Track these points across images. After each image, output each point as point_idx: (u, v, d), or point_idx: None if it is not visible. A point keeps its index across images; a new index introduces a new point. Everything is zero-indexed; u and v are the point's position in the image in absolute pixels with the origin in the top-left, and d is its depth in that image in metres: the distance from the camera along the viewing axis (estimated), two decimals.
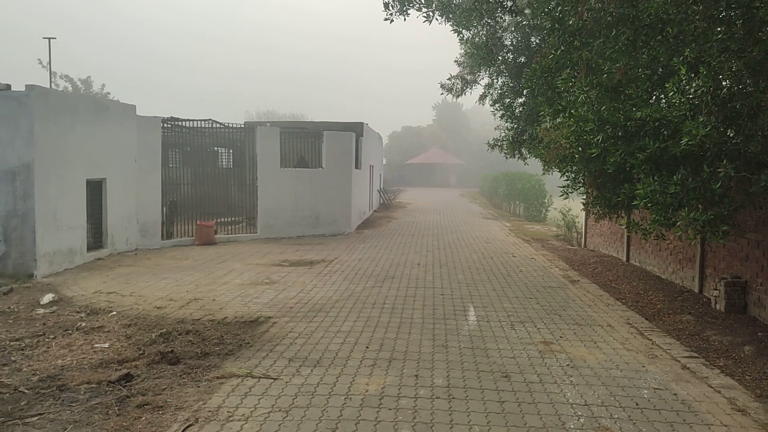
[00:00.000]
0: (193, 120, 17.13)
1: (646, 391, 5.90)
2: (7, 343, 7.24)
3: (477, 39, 12.07)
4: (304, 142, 19.80)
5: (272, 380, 6.06)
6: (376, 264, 13.42)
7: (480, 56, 11.81)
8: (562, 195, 10.10)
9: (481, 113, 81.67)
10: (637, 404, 5.57)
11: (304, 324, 8.23)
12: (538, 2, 8.44)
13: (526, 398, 5.67)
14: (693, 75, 6.91)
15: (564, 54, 8.03)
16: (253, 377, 6.14)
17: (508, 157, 13.99)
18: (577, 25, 7.67)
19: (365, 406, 5.40)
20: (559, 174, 10.61)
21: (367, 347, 7.20)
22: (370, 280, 11.46)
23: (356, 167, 21.04)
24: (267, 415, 5.21)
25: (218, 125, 17.81)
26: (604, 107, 7.43)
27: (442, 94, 14.94)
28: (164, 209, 15.64)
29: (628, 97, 7.62)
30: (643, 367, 6.67)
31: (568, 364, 6.69)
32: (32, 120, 10.89)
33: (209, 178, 18.15)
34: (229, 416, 5.20)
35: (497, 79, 13.82)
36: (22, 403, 5.47)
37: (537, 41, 12.56)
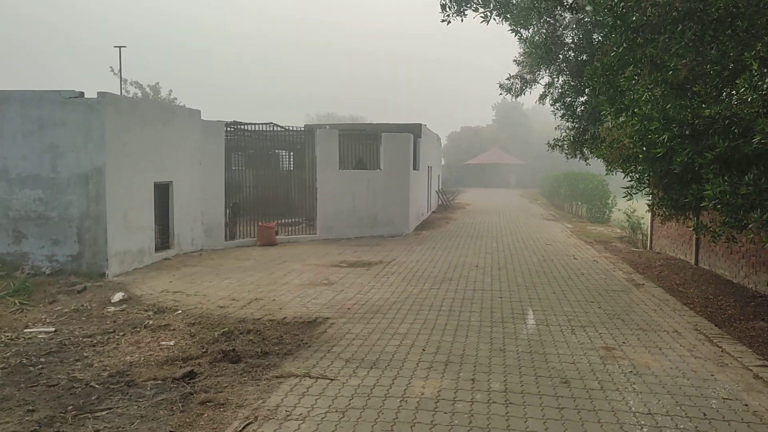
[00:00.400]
0: (255, 123, 17.54)
1: (714, 401, 5.66)
2: (80, 339, 7.61)
3: (536, 38, 11.86)
4: (362, 144, 19.96)
5: (329, 381, 6.14)
6: (433, 266, 13.38)
7: (539, 55, 11.60)
8: (625, 196, 9.81)
9: (541, 113, 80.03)
10: (704, 414, 5.34)
11: (362, 325, 8.29)
12: None
13: (585, 405, 5.53)
14: (766, 70, 6.58)
15: (626, 51, 7.79)
16: (310, 377, 6.23)
17: (569, 157, 13.68)
18: (641, 21, 7.42)
19: (421, 409, 5.39)
20: (623, 174, 10.32)
21: (424, 350, 7.19)
22: (428, 282, 11.44)
23: (414, 168, 21.04)
24: (324, 416, 5.28)
25: (279, 128, 18.16)
26: (669, 105, 7.18)
27: (500, 94, 14.78)
28: (227, 211, 16.07)
29: (695, 95, 7.34)
30: (712, 375, 6.39)
31: (631, 371, 6.49)
32: (104, 125, 11.40)
33: (270, 180, 18.54)
34: (287, 415, 5.29)
35: (558, 77, 13.53)
36: (93, 398, 5.73)
37: (599, 38, 12.23)
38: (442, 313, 9.06)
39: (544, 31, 11.68)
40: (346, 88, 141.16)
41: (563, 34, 12.22)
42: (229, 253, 14.83)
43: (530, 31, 12.01)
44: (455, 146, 74.46)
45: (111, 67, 31.86)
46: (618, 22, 7.67)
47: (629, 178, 9.98)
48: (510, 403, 5.56)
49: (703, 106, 7.26)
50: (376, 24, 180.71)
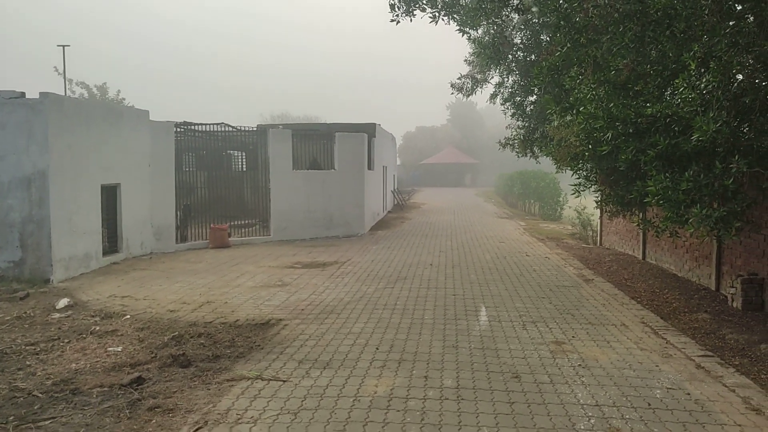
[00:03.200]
0: (206, 124, 17.25)
1: (658, 391, 5.83)
2: (23, 347, 7.33)
3: (485, 38, 12.01)
4: (316, 144, 19.86)
5: (282, 382, 6.08)
6: (388, 265, 13.41)
7: (488, 55, 11.76)
8: (574, 193, 10.04)
9: (495, 112, 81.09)
10: (649, 404, 5.50)
11: (315, 326, 8.24)
12: None
13: (536, 399, 5.63)
14: (703, 70, 6.82)
15: (570, 51, 7.97)
16: (262, 380, 6.16)
17: (520, 156, 13.90)
18: (584, 22, 7.60)
19: (374, 408, 5.39)
20: (572, 172, 10.55)
21: (377, 348, 7.20)
22: (382, 282, 11.45)
23: (369, 168, 21.05)
24: (275, 418, 5.22)
25: (231, 128, 17.91)
26: (612, 104, 7.37)
27: (452, 93, 14.91)
28: (178, 213, 15.76)
29: (637, 94, 7.55)
30: (657, 366, 6.59)
31: (579, 365, 6.63)
32: (47, 127, 11.02)
33: (223, 181, 18.27)
34: (238, 419, 5.22)
35: (508, 77, 13.75)
36: (36, 407, 5.53)
37: (547, 39, 12.48)
38: (396, 311, 9.08)
39: (492, 31, 11.85)
40: (299, 84, 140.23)
41: (511, 34, 12.42)
42: (180, 256, 14.54)
43: (479, 31, 12.16)
44: (411, 146, 74.90)
45: (55, 67, 30.84)
46: (562, 22, 7.85)
47: (577, 176, 10.22)
48: (462, 399, 5.61)
49: (646, 105, 7.47)
50: (330, 21, 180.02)
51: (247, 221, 19.03)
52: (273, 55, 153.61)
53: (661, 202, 7.18)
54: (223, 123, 17.57)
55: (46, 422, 5.23)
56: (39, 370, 6.55)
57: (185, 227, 16.24)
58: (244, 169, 21.85)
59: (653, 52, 7.35)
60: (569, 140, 8.72)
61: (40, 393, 5.88)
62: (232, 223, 17.92)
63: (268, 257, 14.47)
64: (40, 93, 11.22)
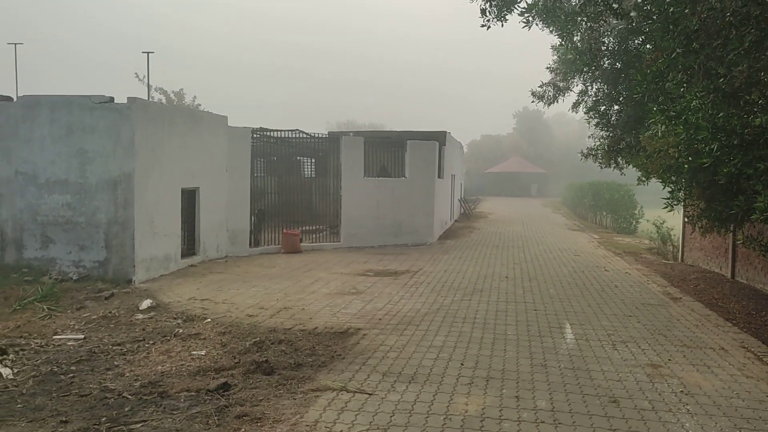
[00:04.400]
0: (281, 130, 17.46)
1: None
2: (110, 347, 7.48)
3: (580, 44, 11.58)
4: (386, 152, 19.79)
5: (368, 395, 5.93)
6: (462, 276, 13.14)
7: (583, 62, 11.33)
8: (665, 207, 9.51)
9: (563, 122, 79.78)
10: None
11: (395, 337, 8.07)
12: (649, 3, 7.97)
13: (639, 427, 5.26)
14: None
15: (678, 57, 7.53)
16: (348, 391, 6.02)
17: (603, 166, 13.38)
18: (695, 27, 7.16)
19: (467, 428, 5.17)
20: (661, 184, 10.02)
21: (462, 364, 6.96)
22: (458, 293, 11.20)
23: (439, 176, 20.82)
24: None
25: (304, 135, 18.07)
26: (720, 114, 6.90)
27: (532, 101, 14.50)
28: (252, 217, 15.97)
29: (747, 103, 7.05)
30: None
31: (681, 391, 6.20)
32: (133, 131, 11.34)
33: (293, 186, 18.45)
34: None
35: (592, 85, 13.28)
36: (126, 409, 5.57)
37: (636, 45, 11.97)
38: (476, 325, 8.82)
39: (587, 37, 11.42)
40: (364, 95, 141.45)
41: (602, 41, 11.96)
42: (254, 260, 14.70)
43: (576, 37, 11.74)
44: (476, 154, 74.13)
45: (136, 73, 32.13)
46: (670, 27, 7.41)
47: (669, 189, 9.68)
48: (559, 423, 5.31)
49: (754, 115, 6.98)
50: (395, 30, 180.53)
51: (315, 227, 19.13)
52: (333, 68, 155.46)
53: None
54: (297, 129, 17.76)
55: (138, 425, 5.25)
56: (127, 371, 6.63)
57: (259, 232, 16.44)
58: (313, 176, 22.03)
59: (766, 59, 6.83)
60: (665, 151, 8.24)
61: (130, 395, 5.93)
62: (302, 229, 18.04)
63: (340, 264, 14.44)
64: (128, 98, 11.56)
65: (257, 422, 5.30)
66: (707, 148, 7.38)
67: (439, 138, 21.59)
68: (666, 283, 12.75)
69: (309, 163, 23.12)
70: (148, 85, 25.28)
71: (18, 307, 9.22)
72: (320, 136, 18.66)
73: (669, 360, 7.29)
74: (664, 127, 7.84)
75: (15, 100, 12.08)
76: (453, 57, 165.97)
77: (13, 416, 5.35)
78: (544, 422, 5.32)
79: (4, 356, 6.86)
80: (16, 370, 6.54)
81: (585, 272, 14.00)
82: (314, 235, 18.55)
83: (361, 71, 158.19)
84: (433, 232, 19.65)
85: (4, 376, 6.33)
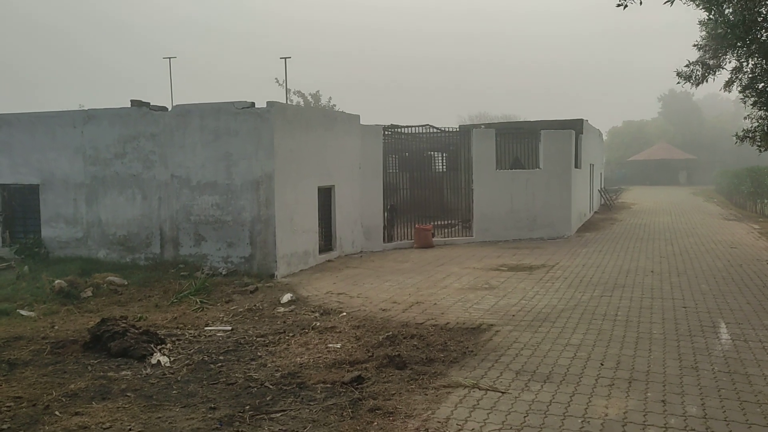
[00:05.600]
0: (411, 126, 17.60)
1: None
2: (254, 338, 7.93)
3: (731, 16, 10.49)
4: (519, 143, 19.28)
5: (500, 394, 5.79)
6: (602, 271, 12.47)
7: (735, 36, 10.24)
8: None
9: (715, 102, 73.30)
10: None
11: (529, 334, 7.83)
12: None
13: None
14: None
15: None
16: (480, 389, 5.92)
17: (763, 150, 12.07)
18: None
19: None
20: None
21: (602, 364, 6.59)
22: (598, 289, 10.64)
23: (575, 166, 19.93)
24: None
25: (434, 130, 18.09)
26: None
27: (678, 83, 13.37)
28: (385, 213, 16.26)
29: None
30: None
31: None
32: (272, 133, 11.95)
33: (425, 182, 18.52)
34: (459, 429, 5.03)
35: (747, 61, 12.00)
36: (268, 398, 5.87)
37: None
38: (617, 323, 8.32)
39: (740, 8, 10.31)
40: (498, 78, 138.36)
41: (758, 11, 10.73)
42: (388, 255, 14.96)
43: (727, 9, 10.65)
44: (617, 142, 70.06)
45: (276, 78, 33.97)
46: None
47: None
48: (712, 431, 4.86)
49: None
50: (532, 7, 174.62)
51: (448, 221, 19.06)
52: (470, 51, 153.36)
53: None
54: (427, 125, 17.81)
55: (277, 414, 5.50)
56: (269, 361, 6.99)
57: (391, 227, 16.71)
58: (445, 170, 21.98)
59: None
60: None
61: (271, 384, 6.24)
62: (434, 224, 18.06)
63: (472, 258, 14.29)
64: (267, 102, 12.19)
65: (389, 416, 5.35)
66: None
67: (576, 126, 20.66)
68: None
69: (440, 158, 23.09)
70: (286, 89, 26.63)
71: (175, 300, 10.06)
72: (451, 130, 18.57)
73: None
74: None
75: (169, 109, 13.17)
76: (590, 51, 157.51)
77: (169, 401, 5.84)
78: (694, 430, 4.89)
79: (163, 345, 7.50)
80: (172, 359, 7.13)
81: (743, 266, 12.73)
82: (446, 230, 18.52)
83: (494, 53, 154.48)
84: (570, 225, 18.86)
85: (163, 363, 6.92)
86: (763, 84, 11.83)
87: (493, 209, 17.62)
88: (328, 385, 6.15)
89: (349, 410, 5.52)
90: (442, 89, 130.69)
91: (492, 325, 8.30)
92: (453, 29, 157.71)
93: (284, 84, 27.60)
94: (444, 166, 22.49)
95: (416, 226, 16.71)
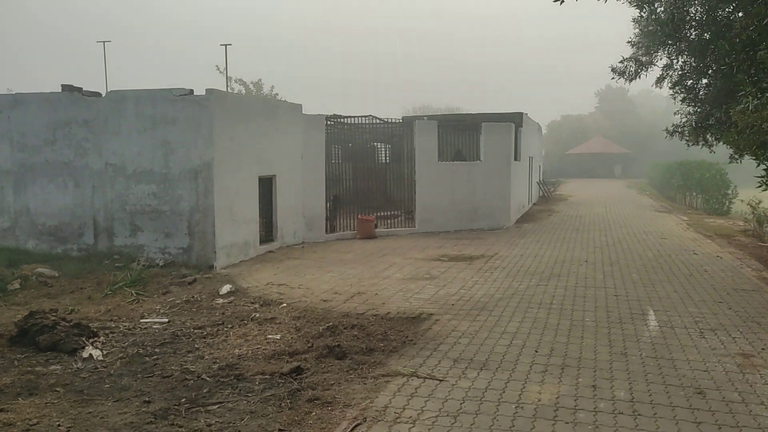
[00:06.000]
0: (354, 116, 17.55)
1: None
2: (192, 330, 7.78)
3: (662, 15, 10.90)
4: (461, 135, 19.49)
5: (438, 381, 5.88)
6: (539, 260, 12.81)
7: (665, 33, 10.65)
8: (759, 186, 8.88)
9: (649, 98, 76.10)
10: None
11: (468, 323, 7.97)
12: None
13: (727, 420, 4.95)
14: None
15: None
16: (418, 377, 5.99)
17: (691, 144, 12.63)
18: None
19: (539, 418, 5.02)
20: (755, 162, 9.36)
21: (537, 351, 6.78)
22: (534, 278, 10.92)
23: (515, 159, 20.34)
24: (434, 420, 5.02)
25: (377, 121, 18.09)
26: None
27: (612, 78, 13.81)
28: (328, 204, 16.19)
29: None
30: None
31: None
32: (212, 121, 11.69)
33: (368, 172, 18.54)
34: (396, 417, 5.08)
35: (677, 58, 12.51)
36: (204, 391, 5.78)
37: (725, 14, 11.15)
38: (552, 311, 8.57)
39: (670, 7, 10.73)
40: (440, 74, 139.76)
41: (686, 11, 11.20)
42: (330, 246, 14.92)
43: (655, 7, 11.06)
44: (555, 136, 71.95)
45: (217, 66, 33.19)
46: None
47: (764, 167, 9.03)
48: (639, 414, 5.07)
49: None
50: (473, 7, 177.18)
51: (390, 212, 19.15)
52: (415, 45, 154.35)
53: None
54: (370, 115, 17.79)
55: (214, 407, 5.43)
56: (206, 353, 6.88)
57: (334, 218, 16.66)
58: (388, 161, 22.04)
59: None
60: (758, 126, 7.66)
61: (208, 377, 6.14)
62: (378, 214, 18.12)
63: (414, 249, 14.41)
64: (206, 89, 11.91)
65: (328, 406, 5.36)
66: None
67: (515, 119, 21.07)
68: (761, 267, 11.94)
69: (384, 149, 23.16)
70: (227, 77, 26.10)
71: (109, 292, 9.75)
72: (394, 121, 18.61)
73: (763, 349, 6.82)
74: (756, 100, 7.25)
75: (103, 95, 12.71)
76: (533, 51, 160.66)
77: (101, 395, 5.67)
78: (622, 413, 5.10)
79: (95, 338, 7.26)
80: (105, 352, 6.92)
81: (672, 256, 13.32)
82: (389, 221, 18.60)
83: (435, 50, 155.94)
84: (509, 216, 19.27)
85: (95, 357, 6.71)
86: (691, 81, 12.37)
87: (435, 200, 17.81)
88: (267, 377, 6.11)
89: (288, 401, 5.49)
90: (388, 82, 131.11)
91: (432, 314, 8.41)
92: (400, 25, 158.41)
93: (225, 72, 27.01)
94: (387, 157, 22.56)
95: (359, 216, 16.71)
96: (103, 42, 37.15)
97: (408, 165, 18.22)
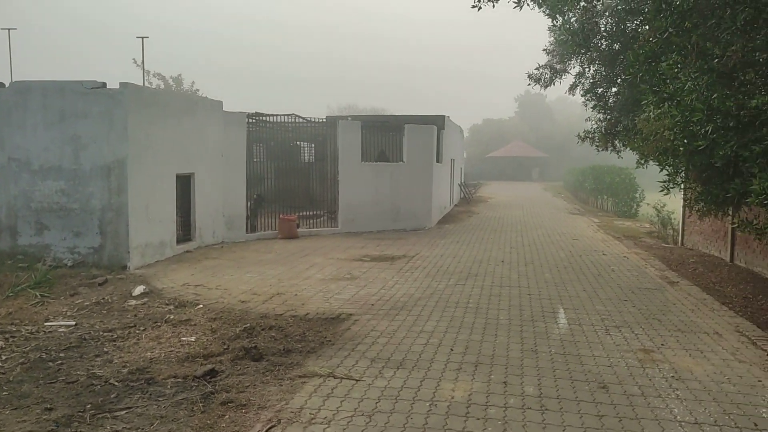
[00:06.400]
0: (277, 115, 17.33)
1: (765, 410, 5.31)
2: (101, 333, 7.46)
3: (574, 24, 11.39)
4: (384, 136, 19.64)
5: (354, 381, 5.90)
6: (458, 260, 13.08)
7: (576, 42, 11.15)
8: (661, 190, 9.40)
9: (565, 106, 79.24)
10: (755, 425, 5.00)
11: (386, 322, 8.04)
12: None
13: (627, 413, 5.22)
14: None
15: (672, 37, 7.38)
16: (335, 377, 5.99)
17: (600, 150, 13.24)
18: (687, 5, 7.01)
19: (452, 414, 5.13)
20: (658, 167, 9.91)
21: (452, 349, 6.92)
22: (453, 278, 11.15)
23: (437, 161, 20.71)
24: (350, 420, 5.03)
25: (300, 120, 17.95)
26: (715, 95, 6.78)
27: (529, 84, 14.32)
28: (249, 203, 15.91)
29: (742, 84, 6.92)
30: (759, 381, 6.03)
31: (672, 376, 6.15)
32: (126, 116, 11.24)
33: (291, 172, 18.35)
34: (311, 418, 5.06)
35: (589, 67, 13.10)
36: (112, 396, 5.55)
37: (633, 26, 11.78)
38: (468, 310, 8.77)
39: (580, 17, 11.24)
40: (367, 74, 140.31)
41: (597, 21, 11.76)
42: (251, 246, 14.67)
43: (567, 17, 11.55)
44: (477, 139, 73.86)
45: (134, 59, 31.85)
46: (662, 5, 7.26)
47: (666, 172, 9.58)
48: (546, 409, 5.27)
49: (750, 96, 6.85)
50: (399, 10, 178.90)
51: (314, 212, 19.05)
52: (343, 47, 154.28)
53: (766, 202, 6.58)
54: (293, 114, 17.63)
55: (122, 412, 5.23)
56: (116, 357, 6.61)
57: (255, 217, 16.40)
58: (312, 161, 21.92)
59: (764, 38, 6.70)
60: (660, 133, 8.13)
61: (117, 381, 5.91)
62: (301, 214, 17.98)
63: (337, 249, 14.39)
64: (120, 83, 11.45)
65: (242, 409, 5.27)
66: (702, 130, 7.27)
67: (438, 122, 21.44)
68: (664, 267, 12.68)
69: (308, 149, 22.99)
70: (143, 70, 25.12)
71: (11, 294, 9.20)
72: (317, 120, 18.51)
73: (662, 345, 7.24)
74: (657, 109, 7.71)
75: (7, 86, 11.97)
76: (455, 37, 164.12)
77: None
78: (530, 408, 5.28)
79: None
80: (4, 358, 6.52)
81: (582, 256, 13.93)
82: (312, 221, 18.50)
83: (363, 50, 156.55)
84: (431, 217, 19.58)
85: None
86: (602, 89, 12.98)
87: (358, 201, 17.86)
88: (180, 380, 5.94)
89: (200, 404, 5.36)
90: (314, 80, 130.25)
91: (351, 314, 8.42)
92: (327, 23, 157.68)
93: (142, 65, 25.99)
94: (312, 157, 22.43)
95: (280, 216, 16.52)
96: (8, 29, 34.93)
97: (332, 165, 18.18)
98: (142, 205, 11.74)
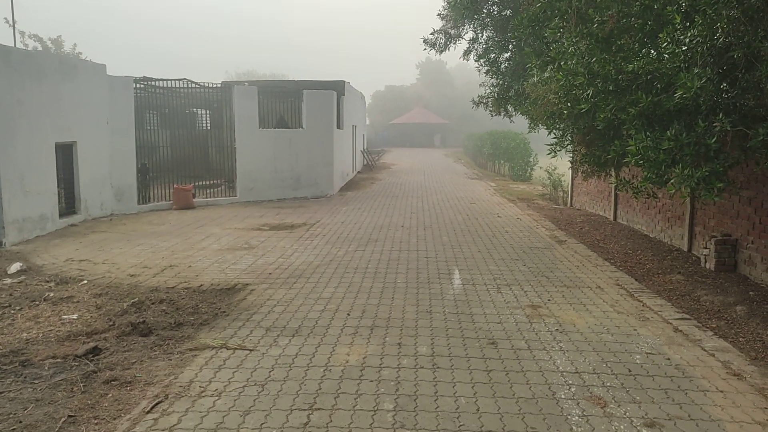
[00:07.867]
0: (168, 80, 16.46)
1: (638, 357, 5.69)
2: None
3: None
4: (283, 102, 19.21)
5: (248, 351, 5.77)
6: (359, 227, 13.10)
7: (464, 6, 11.25)
8: (549, 153, 9.78)
9: (465, 72, 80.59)
10: (629, 371, 5.36)
11: (284, 291, 7.92)
12: None
13: (514, 366, 5.44)
14: (688, 24, 6.53)
15: (553, 2, 7.59)
16: (228, 348, 5.84)
17: (494, 114, 13.58)
18: None
19: (345, 378, 5.13)
20: (547, 131, 10.28)
21: (348, 314, 6.93)
22: (353, 244, 11.15)
23: (338, 127, 20.54)
24: (241, 390, 4.93)
25: (194, 85, 17.17)
26: (594, 59, 7.05)
27: (425, 49, 14.39)
28: (139, 173, 15.13)
29: (619, 49, 7.23)
30: (635, 330, 6.46)
31: (557, 329, 6.46)
32: None
33: (187, 140, 17.60)
34: (201, 391, 4.91)
35: (482, 33, 13.31)
36: None
37: None
38: (367, 275, 8.81)
39: None
40: (264, 53, 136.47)
41: None
42: (143, 218, 14.00)
43: None
44: (380, 106, 73.97)
45: (6, 19, 29.20)
46: None
47: (553, 135, 9.96)
48: (438, 367, 5.39)
49: (627, 61, 7.17)
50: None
51: (212, 181, 18.44)
52: (231, 24, 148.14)
53: (641, 161, 6.95)
54: (185, 79, 16.82)
55: None
56: None
57: (146, 188, 15.63)
58: (209, 128, 21.12)
59: (637, 4, 7.01)
60: (547, 98, 8.40)
61: None
62: (197, 184, 17.35)
63: (234, 219, 14.02)
64: None
65: (127, 386, 5.03)
66: (584, 93, 7.55)
67: (338, 87, 21.20)
68: (554, 227, 13.29)
69: (204, 115, 22.10)
70: (14, 31, 23.04)
71: None
72: (212, 86, 17.77)
73: (548, 300, 7.59)
74: (542, 72, 7.94)
75: None
76: (359, 15, 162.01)
77: None
78: (423, 367, 5.38)
79: None
80: None
81: (479, 219, 14.34)
82: (210, 190, 17.91)
83: (260, 30, 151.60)
84: (333, 184, 19.47)
85: None
86: (494, 55, 13.25)
87: (256, 169, 17.43)
88: (59, 360, 5.58)
89: (81, 384, 5.06)
90: (212, 43, 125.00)
91: (248, 284, 8.24)
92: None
93: (13, 25, 23.76)
94: (208, 124, 21.59)
95: (175, 186, 15.84)
96: None
97: (229, 132, 17.61)
98: (16, 177, 10.86)
